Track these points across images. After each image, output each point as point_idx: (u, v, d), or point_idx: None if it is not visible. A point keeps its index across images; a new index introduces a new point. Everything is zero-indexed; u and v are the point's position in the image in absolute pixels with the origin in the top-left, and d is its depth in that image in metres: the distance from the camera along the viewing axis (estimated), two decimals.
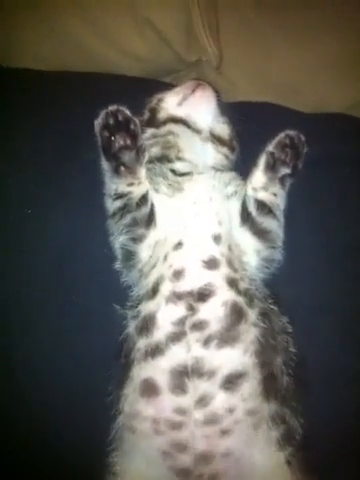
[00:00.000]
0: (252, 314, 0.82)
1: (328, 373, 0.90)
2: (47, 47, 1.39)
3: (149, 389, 0.77)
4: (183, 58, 1.39)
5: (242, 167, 1.03)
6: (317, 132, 1.15)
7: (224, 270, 0.83)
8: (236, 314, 0.80)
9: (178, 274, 0.81)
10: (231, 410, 0.76)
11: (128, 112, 0.87)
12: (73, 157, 1.07)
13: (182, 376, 0.76)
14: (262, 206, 0.93)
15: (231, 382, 0.77)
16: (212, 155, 0.99)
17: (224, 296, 0.81)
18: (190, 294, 0.80)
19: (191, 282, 0.81)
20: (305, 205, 1.04)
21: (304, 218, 1.03)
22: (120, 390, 0.79)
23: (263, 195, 0.94)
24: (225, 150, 1.02)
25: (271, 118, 1.26)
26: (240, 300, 0.82)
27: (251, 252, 0.91)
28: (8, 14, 1.38)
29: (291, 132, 0.96)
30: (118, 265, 0.88)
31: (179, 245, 0.84)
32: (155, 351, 0.77)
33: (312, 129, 1.15)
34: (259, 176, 0.95)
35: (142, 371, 0.78)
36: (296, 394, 0.82)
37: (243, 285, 0.84)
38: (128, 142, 0.85)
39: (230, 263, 0.85)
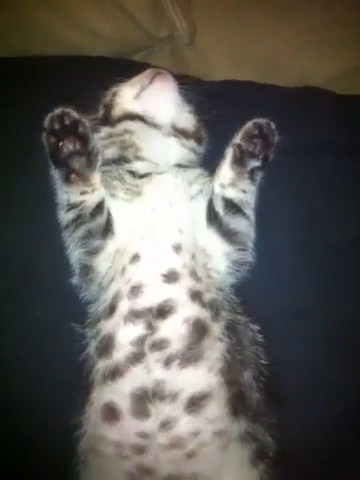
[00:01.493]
0: (217, 329, 0.76)
1: (308, 382, 0.85)
2: (12, 33, 1.29)
3: (110, 413, 0.72)
4: (153, 35, 1.30)
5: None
6: (299, 114, 1.06)
7: (186, 282, 0.76)
8: (199, 331, 0.74)
9: (136, 290, 0.75)
10: (196, 433, 0.71)
11: (75, 114, 0.79)
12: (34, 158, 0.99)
13: (143, 399, 0.71)
14: (230, 205, 0.85)
15: (195, 404, 0.71)
16: (176, 151, 0.91)
17: (186, 312, 0.75)
18: (149, 311, 0.74)
19: (150, 298, 0.74)
20: (285, 200, 0.97)
21: (285, 214, 0.96)
22: (82, 413, 0.74)
23: (231, 192, 0.86)
24: (191, 143, 0.93)
25: (247, 98, 1.17)
26: (204, 314, 0.76)
27: (219, 256, 0.84)
28: None
29: (260, 120, 0.87)
30: (75, 280, 0.81)
31: (136, 257, 0.77)
32: (115, 373, 0.72)
33: (294, 112, 1.07)
34: (226, 171, 0.87)
35: (102, 394, 0.73)
36: (269, 408, 0.77)
37: (208, 296, 0.78)
38: (78, 147, 0.78)
39: (193, 274, 0.78)
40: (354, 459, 0.86)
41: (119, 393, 0.72)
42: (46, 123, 0.78)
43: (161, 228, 0.79)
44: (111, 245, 0.81)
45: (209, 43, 1.37)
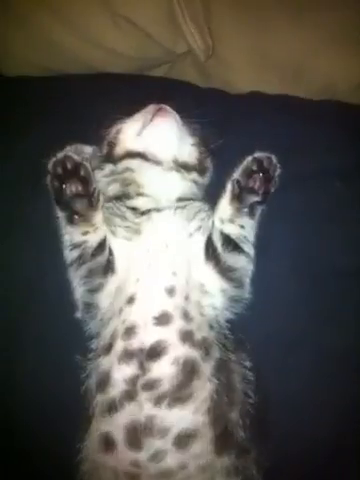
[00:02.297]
0: (207, 369, 0.79)
1: (298, 411, 0.87)
2: (35, 53, 1.33)
3: (107, 443, 0.78)
4: (172, 50, 1.29)
5: None
6: (313, 138, 1.05)
7: (177, 324, 0.80)
8: (188, 371, 0.78)
9: (129, 331, 0.79)
10: (183, 467, 0.76)
11: (77, 157, 0.83)
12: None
13: (136, 433, 0.76)
14: (228, 241, 0.87)
15: (182, 441, 0.76)
16: (177, 185, 0.93)
17: (176, 353, 0.78)
18: (141, 352, 0.78)
19: (142, 340, 0.78)
20: (281, 227, 0.96)
21: (280, 241, 0.95)
22: (83, 441, 0.80)
23: (229, 228, 0.88)
24: (193, 176, 0.95)
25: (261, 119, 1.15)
26: (194, 355, 0.79)
27: (216, 292, 0.87)
28: None
29: (260, 155, 0.87)
30: (78, 315, 0.86)
31: (131, 299, 0.81)
32: (111, 407, 0.78)
33: (308, 134, 1.05)
34: (225, 206, 0.88)
35: (101, 425, 0.79)
36: (256, 443, 0.80)
37: (199, 335, 0.81)
38: (79, 189, 0.82)
39: (185, 314, 0.81)
40: None
41: (115, 425, 0.77)
42: (50, 167, 0.82)
43: (155, 271, 0.82)
44: (112, 283, 0.85)
45: (230, 51, 1.34)
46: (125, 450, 0.76)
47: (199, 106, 1.22)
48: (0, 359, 0.90)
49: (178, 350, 0.78)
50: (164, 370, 0.77)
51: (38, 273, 0.93)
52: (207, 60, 1.28)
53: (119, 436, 0.77)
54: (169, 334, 0.78)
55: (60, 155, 0.81)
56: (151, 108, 0.91)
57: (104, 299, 0.84)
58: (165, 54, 1.31)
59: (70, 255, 0.84)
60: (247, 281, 0.87)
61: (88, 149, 0.96)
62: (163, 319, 0.79)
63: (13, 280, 0.94)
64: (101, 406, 0.79)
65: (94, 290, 0.84)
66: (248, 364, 0.83)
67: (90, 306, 0.84)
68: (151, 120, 0.90)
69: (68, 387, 0.83)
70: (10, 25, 1.27)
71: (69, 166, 0.81)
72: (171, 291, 0.81)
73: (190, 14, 1.19)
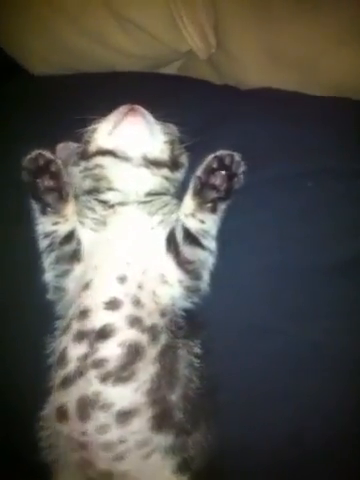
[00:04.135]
0: (152, 353, 0.84)
1: (253, 402, 0.89)
2: (52, 54, 1.43)
3: (62, 413, 0.85)
4: (177, 50, 1.32)
5: None
6: (288, 140, 1.04)
7: (126, 310, 0.85)
8: (134, 354, 0.82)
9: (83, 314, 0.86)
10: (122, 441, 0.81)
11: (49, 155, 0.90)
12: None
13: (85, 406, 0.83)
14: (187, 235, 0.90)
15: (123, 417, 0.81)
16: (147, 180, 0.97)
17: (123, 336, 0.83)
18: (92, 333, 0.84)
19: (93, 322, 0.85)
20: (251, 224, 0.98)
21: (249, 238, 0.97)
22: (42, 410, 0.88)
23: (190, 222, 0.91)
24: (164, 172, 0.99)
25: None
26: (141, 339, 0.84)
27: (174, 282, 0.91)
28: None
29: (222, 153, 0.89)
30: (49, 297, 0.94)
31: (88, 285, 0.88)
32: (66, 382, 0.84)
33: (283, 136, 1.05)
34: (188, 202, 0.92)
35: (58, 397, 0.86)
36: (197, 426, 0.84)
37: (149, 321, 0.86)
38: (51, 183, 0.90)
39: (136, 301, 0.86)
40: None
41: (69, 398, 0.84)
42: (24, 163, 0.90)
43: (111, 260, 0.88)
44: (78, 270, 0.92)
45: (240, 48, 1.34)
46: (76, 421, 0.83)
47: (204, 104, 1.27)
48: None
49: (125, 334, 0.83)
50: (111, 351, 0.83)
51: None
52: (207, 59, 1.29)
53: (72, 408, 0.83)
54: (117, 318, 0.84)
55: (34, 152, 0.89)
56: (123, 108, 0.96)
57: (70, 284, 0.91)
58: (171, 53, 1.34)
59: (42, 243, 0.92)
60: (205, 273, 0.90)
61: (74, 146, 1.03)
62: (112, 304, 0.85)
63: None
64: (59, 380, 0.86)
65: (61, 275, 0.91)
66: (197, 351, 0.86)
67: (58, 289, 0.92)
68: (122, 120, 0.95)
69: (36, 362, 0.90)
70: (31, 30, 1.37)
71: (41, 162, 0.88)
72: (122, 279, 0.86)
73: (187, 12, 1.21)
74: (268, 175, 0.97)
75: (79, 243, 0.92)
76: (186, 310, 0.90)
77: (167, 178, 0.98)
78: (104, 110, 1.01)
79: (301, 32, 1.25)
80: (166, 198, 0.96)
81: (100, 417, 0.81)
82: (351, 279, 0.92)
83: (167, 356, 0.83)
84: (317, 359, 0.89)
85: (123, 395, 0.81)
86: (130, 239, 0.89)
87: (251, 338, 0.92)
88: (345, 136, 1.03)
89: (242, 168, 0.88)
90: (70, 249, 0.91)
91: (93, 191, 0.96)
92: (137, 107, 0.95)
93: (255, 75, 1.33)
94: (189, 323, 0.88)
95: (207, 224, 0.89)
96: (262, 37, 1.29)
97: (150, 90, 1.23)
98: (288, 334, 0.91)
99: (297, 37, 1.26)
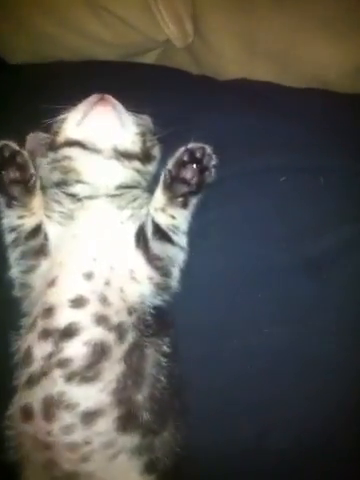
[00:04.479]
0: (118, 352, 0.81)
1: (221, 403, 0.87)
2: (29, 43, 1.39)
3: (27, 413, 0.82)
4: (154, 38, 1.29)
5: None
6: (262, 133, 1.02)
7: (93, 308, 0.82)
8: (98, 353, 0.80)
9: (48, 312, 0.83)
10: (88, 442, 0.79)
11: (14, 146, 0.86)
12: None
13: (50, 406, 0.80)
14: (156, 230, 0.88)
15: (88, 417, 0.79)
16: (117, 173, 0.94)
17: (88, 335, 0.81)
18: (56, 332, 0.81)
19: (58, 320, 0.82)
20: (221, 221, 0.95)
21: (218, 235, 0.95)
22: (8, 409, 0.86)
23: (160, 218, 0.88)
24: (135, 164, 0.95)
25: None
26: (107, 337, 0.81)
27: (143, 279, 0.88)
28: None
29: (193, 145, 0.86)
30: (15, 293, 0.91)
31: (53, 282, 0.85)
32: (31, 381, 0.82)
33: (257, 129, 1.02)
34: (158, 196, 0.89)
35: (23, 396, 0.84)
36: (164, 427, 0.82)
37: (116, 319, 0.83)
38: (17, 175, 0.86)
39: (103, 299, 0.83)
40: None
41: (34, 398, 0.81)
42: None
43: (77, 256, 0.85)
44: (45, 265, 0.88)
45: (218, 37, 1.32)
46: (41, 421, 0.81)
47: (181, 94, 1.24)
48: None
49: (91, 332, 0.81)
50: (76, 350, 0.80)
51: None
52: (184, 47, 1.25)
53: (37, 408, 0.81)
54: (83, 317, 0.81)
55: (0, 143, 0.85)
56: (93, 98, 0.93)
57: (36, 280, 0.88)
58: (147, 41, 1.31)
59: (8, 237, 0.89)
60: (175, 270, 0.88)
61: (44, 136, 0.99)
62: (78, 302, 0.82)
63: None
64: (24, 379, 0.83)
65: (27, 271, 0.88)
66: (165, 350, 0.84)
67: (24, 286, 0.89)
68: (91, 110, 0.91)
69: (2, 360, 0.88)
70: (5, 19, 1.33)
71: (6, 154, 0.85)
72: (89, 276, 0.83)
73: (163, 1, 1.17)
74: (240, 169, 0.94)
75: (46, 238, 0.88)
76: (155, 307, 0.87)
77: (138, 171, 0.95)
78: (75, 99, 0.97)
79: (280, 22, 1.23)
80: (137, 191, 0.92)
81: (65, 417, 0.79)
82: (316, 279, 0.89)
83: (134, 355, 0.81)
84: (281, 361, 0.88)
85: (88, 395, 0.79)
86: (97, 234, 0.86)
87: (217, 337, 0.89)
88: (318, 129, 1.00)
89: (214, 161, 0.85)
90: (36, 244, 0.87)
91: (61, 184, 0.92)
92: (107, 97, 0.92)
93: (233, 65, 1.31)
94: (158, 321, 0.86)
95: (178, 219, 0.87)
96: (241, 27, 1.27)
97: (124, 79, 1.21)
98: (252, 335, 0.89)
99: (276, 27, 1.24)
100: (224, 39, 1.30)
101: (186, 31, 1.23)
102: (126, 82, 1.21)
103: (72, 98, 0.97)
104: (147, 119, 0.99)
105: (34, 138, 1.01)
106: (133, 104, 0.98)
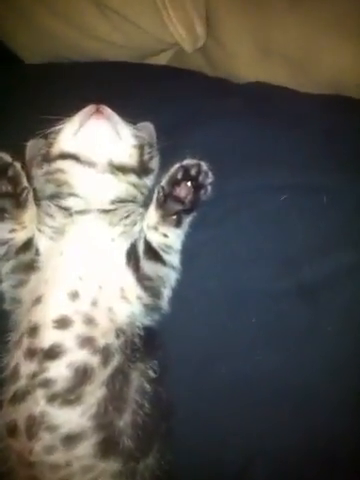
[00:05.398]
0: (101, 376, 0.79)
1: (207, 428, 0.85)
2: (42, 44, 1.37)
3: (12, 429, 0.82)
4: (162, 40, 1.24)
5: None
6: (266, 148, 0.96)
7: (77, 329, 0.80)
8: (81, 376, 0.78)
9: (33, 331, 0.81)
10: (68, 464, 0.78)
11: (7, 158, 0.84)
12: None
13: (33, 425, 0.79)
14: (148, 248, 0.85)
15: (68, 440, 0.78)
16: (112, 187, 0.91)
17: (71, 357, 0.79)
18: (41, 351, 0.80)
19: (42, 340, 0.80)
20: (214, 242, 0.91)
21: (211, 257, 0.91)
22: None
23: (152, 236, 0.85)
24: (131, 178, 0.92)
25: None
26: (91, 360, 0.79)
27: (133, 299, 0.85)
28: None
29: (188, 162, 0.82)
30: (6, 307, 0.90)
31: (38, 300, 0.83)
32: (16, 398, 0.81)
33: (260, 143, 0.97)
34: (151, 213, 0.85)
35: (8, 412, 0.83)
36: (147, 454, 0.80)
37: (102, 342, 0.81)
38: (8, 188, 0.84)
39: (89, 320, 0.81)
40: None
41: (19, 415, 0.80)
42: None
43: (62, 274, 0.83)
44: (34, 281, 0.87)
45: (232, 39, 1.28)
46: (25, 439, 0.80)
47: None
48: None
49: (74, 355, 0.78)
50: (59, 372, 0.78)
51: None
52: (193, 50, 1.20)
53: (21, 425, 0.80)
54: (67, 338, 0.79)
55: None
56: (88, 109, 0.89)
57: (26, 295, 0.86)
58: (158, 44, 1.28)
59: None
60: (165, 291, 0.85)
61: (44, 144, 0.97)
62: (62, 323, 0.79)
63: None
64: (10, 395, 0.82)
65: (17, 286, 0.86)
66: (151, 375, 0.81)
67: (14, 300, 0.87)
68: (86, 122, 0.88)
69: None
70: (18, 21, 1.32)
71: None
72: (74, 296, 0.81)
73: (172, 3, 1.13)
74: (238, 186, 0.89)
75: (37, 253, 0.86)
76: (145, 328, 0.84)
77: (134, 184, 0.91)
78: (72, 106, 0.94)
79: (296, 25, 1.18)
80: (131, 206, 0.89)
81: (46, 438, 0.78)
82: (312, 306, 0.84)
83: (117, 380, 0.78)
84: (272, 389, 0.83)
85: (69, 418, 0.77)
86: (85, 252, 0.83)
87: (207, 361, 0.86)
88: (326, 142, 0.94)
89: (210, 179, 0.81)
90: (26, 259, 0.85)
91: (55, 196, 0.89)
92: (103, 108, 0.88)
93: (247, 68, 1.26)
94: (146, 343, 0.83)
95: (170, 238, 0.83)
96: (255, 29, 1.22)
97: (132, 82, 1.17)
98: (243, 360, 0.85)
99: (292, 30, 1.19)
100: (238, 41, 1.26)
101: (197, 34, 1.18)
102: (132, 85, 1.18)
103: (80, 101, 0.94)
104: (148, 126, 0.95)
105: (34, 146, 0.98)
106: (135, 110, 0.94)
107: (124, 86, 1.19)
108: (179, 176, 0.80)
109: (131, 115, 0.95)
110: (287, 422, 0.82)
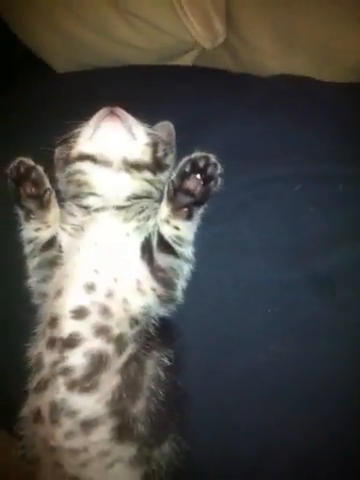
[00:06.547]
0: (117, 364, 0.82)
1: (224, 418, 0.86)
2: (70, 52, 1.43)
3: (37, 416, 0.87)
4: (186, 40, 1.27)
5: None
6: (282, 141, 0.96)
7: (93, 319, 0.84)
8: (96, 364, 0.81)
9: (53, 321, 0.86)
10: (86, 449, 0.81)
11: (30, 162, 0.90)
12: None
13: (56, 411, 0.84)
14: (160, 241, 0.87)
15: (86, 425, 0.81)
16: (127, 185, 0.94)
17: (88, 346, 0.83)
18: (60, 341, 0.84)
19: (61, 330, 0.84)
20: (228, 235, 0.92)
21: (223, 250, 0.92)
22: (21, 411, 0.90)
23: (164, 228, 0.87)
24: (146, 174, 0.95)
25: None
26: (107, 349, 0.83)
27: (148, 290, 0.88)
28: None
29: (196, 155, 0.84)
30: (34, 301, 0.95)
31: (59, 293, 0.87)
32: (40, 386, 0.86)
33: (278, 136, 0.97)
34: (163, 207, 0.88)
35: (34, 399, 0.88)
36: (161, 440, 0.82)
37: (117, 331, 0.84)
38: (32, 190, 0.90)
39: (104, 310, 0.85)
40: None
41: (43, 402, 0.85)
42: (8, 171, 0.91)
43: (79, 268, 0.87)
44: (57, 275, 0.92)
45: (254, 32, 1.28)
46: (49, 424, 0.84)
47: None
48: None
49: (90, 343, 0.82)
50: (77, 360, 0.82)
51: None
52: (212, 48, 1.22)
53: (45, 411, 0.85)
54: (83, 328, 0.83)
55: (16, 160, 0.90)
56: (103, 111, 0.94)
57: (50, 289, 0.91)
58: (180, 44, 1.30)
59: (26, 248, 0.93)
60: (180, 282, 0.87)
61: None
62: (79, 313, 0.84)
63: None
64: (35, 384, 0.87)
65: (42, 281, 0.92)
66: (166, 363, 0.83)
67: (40, 295, 0.92)
68: (100, 124, 0.92)
69: (19, 364, 0.93)
70: (46, 31, 1.39)
71: (22, 170, 0.89)
72: (90, 288, 0.85)
73: (187, 2, 1.15)
74: (252, 177, 0.89)
75: (60, 250, 0.91)
76: (161, 319, 0.86)
77: (149, 181, 0.95)
78: (93, 110, 0.99)
79: (318, 14, 1.16)
80: (146, 202, 0.92)
81: (67, 424, 0.82)
82: (326, 297, 0.83)
83: (131, 368, 0.81)
84: (287, 380, 0.83)
85: (86, 404, 0.81)
86: (100, 246, 0.87)
87: (223, 352, 0.87)
88: (345, 132, 0.92)
89: (219, 170, 0.82)
90: (50, 255, 0.91)
91: (76, 196, 0.94)
92: (116, 109, 0.92)
93: (271, 60, 1.26)
94: (162, 333, 0.85)
95: (182, 231, 0.85)
96: (277, 20, 1.21)
97: (147, 85, 1.19)
98: (258, 351, 0.85)
99: (313, 19, 1.17)
100: (260, 34, 1.26)
101: (216, 31, 1.19)
102: (147, 87, 1.20)
103: (88, 109, 0.98)
104: (168, 125, 1.00)
105: (59, 152, 1.04)
106: (154, 109, 0.98)
107: (147, 87, 1.22)
108: (187, 169, 0.82)
109: (151, 114, 0.98)
110: (302, 412, 0.81)
